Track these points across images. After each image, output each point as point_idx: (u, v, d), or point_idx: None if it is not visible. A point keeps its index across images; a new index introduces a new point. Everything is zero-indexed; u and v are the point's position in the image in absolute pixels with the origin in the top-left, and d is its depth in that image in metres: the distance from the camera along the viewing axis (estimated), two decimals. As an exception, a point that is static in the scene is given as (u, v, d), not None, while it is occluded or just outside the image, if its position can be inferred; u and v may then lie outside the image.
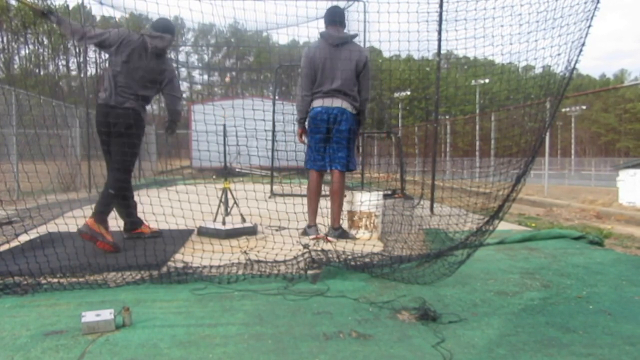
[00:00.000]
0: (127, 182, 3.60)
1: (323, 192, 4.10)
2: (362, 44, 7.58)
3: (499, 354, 1.71)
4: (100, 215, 3.31)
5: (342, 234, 3.92)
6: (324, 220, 3.98)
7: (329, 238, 3.85)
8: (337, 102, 3.81)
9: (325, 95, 3.83)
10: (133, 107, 3.47)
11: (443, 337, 1.84)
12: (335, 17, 3.89)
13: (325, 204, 4.07)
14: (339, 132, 3.84)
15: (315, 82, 3.88)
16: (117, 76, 3.46)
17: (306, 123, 4.04)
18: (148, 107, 3.71)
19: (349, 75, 3.79)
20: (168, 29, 3.61)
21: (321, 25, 4.00)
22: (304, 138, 4.09)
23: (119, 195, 3.50)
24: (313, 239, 3.83)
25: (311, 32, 3.99)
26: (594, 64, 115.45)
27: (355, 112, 3.90)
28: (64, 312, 2.13)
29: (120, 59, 3.46)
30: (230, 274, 2.71)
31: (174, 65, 3.74)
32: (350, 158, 3.93)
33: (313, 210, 4.00)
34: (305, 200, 4.13)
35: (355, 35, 3.95)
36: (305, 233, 4.00)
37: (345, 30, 3.97)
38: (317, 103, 3.87)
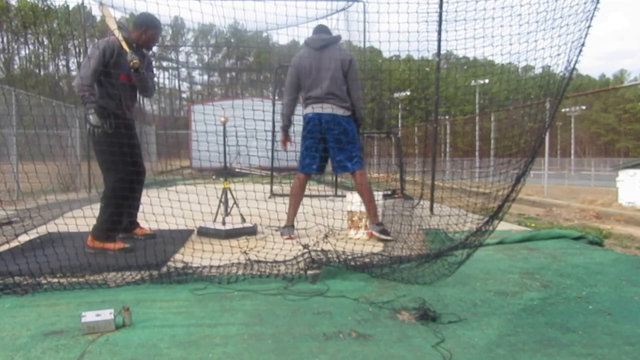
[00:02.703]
0: (118, 184, 3.32)
1: (326, 192, 4.10)
2: (362, 44, 7.60)
3: (499, 354, 1.71)
4: (100, 229, 3.28)
5: (384, 230, 3.87)
6: (324, 221, 3.99)
7: (374, 232, 3.84)
8: (328, 108, 3.84)
9: (316, 101, 3.87)
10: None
11: (443, 337, 1.84)
12: (319, 28, 4.02)
13: (325, 205, 4.07)
14: (333, 136, 3.85)
15: (304, 89, 3.94)
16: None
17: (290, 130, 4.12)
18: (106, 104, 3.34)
19: (336, 76, 3.84)
20: (142, 23, 3.41)
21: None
22: (288, 146, 4.11)
23: (111, 203, 3.31)
24: (287, 239, 3.84)
25: (311, 32, 4.01)
26: (596, 64, 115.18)
27: (348, 113, 3.90)
28: (64, 312, 2.13)
29: None
30: (230, 274, 2.71)
31: (153, 64, 3.56)
32: (355, 158, 3.87)
33: (293, 212, 4.05)
34: (305, 200, 4.14)
35: (338, 38, 3.99)
36: (281, 233, 4.02)
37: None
38: (309, 110, 3.92)
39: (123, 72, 3.37)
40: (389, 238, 3.82)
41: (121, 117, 3.42)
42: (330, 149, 3.91)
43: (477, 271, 2.89)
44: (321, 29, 4.01)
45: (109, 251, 3.22)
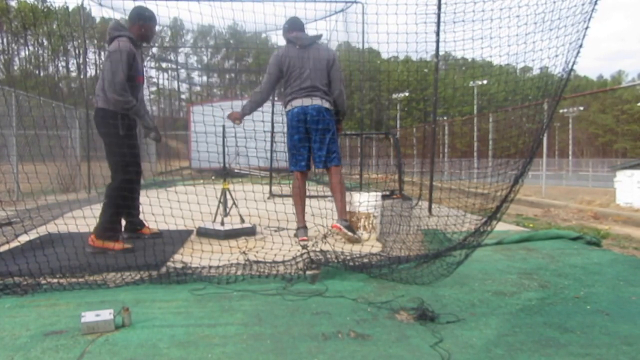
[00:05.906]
0: (124, 184, 3.39)
1: (325, 193, 4.09)
2: (361, 45, 7.61)
3: (497, 354, 1.72)
4: (103, 227, 3.28)
5: (350, 227, 3.86)
6: (322, 221, 3.98)
7: (339, 226, 3.80)
8: (315, 101, 3.87)
9: (300, 95, 3.88)
10: (103, 107, 3.36)
11: (441, 337, 1.85)
12: (298, 24, 4.06)
13: (324, 205, 4.08)
14: (317, 131, 3.88)
15: (287, 84, 3.96)
16: (102, 78, 3.38)
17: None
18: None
19: (321, 73, 3.89)
20: (139, 17, 3.50)
21: (320, 26, 4.05)
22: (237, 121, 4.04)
23: (114, 202, 3.35)
24: (301, 240, 3.79)
25: (310, 33, 4.03)
26: (596, 65, 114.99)
27: (331, 108, 3.95)
28: (64, 312, 2.14)
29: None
30: (229, 274, 2.72)
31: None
32: (334, 154, 3.95)
33: (301, 211, 4.02)
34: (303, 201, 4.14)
35: (320, 36, 4.05)
36: (295, 235, 3.98)
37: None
38: (296, 103, 3.91)
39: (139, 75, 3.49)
40: (354, 236, 3.80)
41: (130, 119, 3.47)
42: (313, 144, 3.94)
43: (475, 271, 2.90)
44: (299, 27, 4.03)
45: (110, 251, 3.23)
